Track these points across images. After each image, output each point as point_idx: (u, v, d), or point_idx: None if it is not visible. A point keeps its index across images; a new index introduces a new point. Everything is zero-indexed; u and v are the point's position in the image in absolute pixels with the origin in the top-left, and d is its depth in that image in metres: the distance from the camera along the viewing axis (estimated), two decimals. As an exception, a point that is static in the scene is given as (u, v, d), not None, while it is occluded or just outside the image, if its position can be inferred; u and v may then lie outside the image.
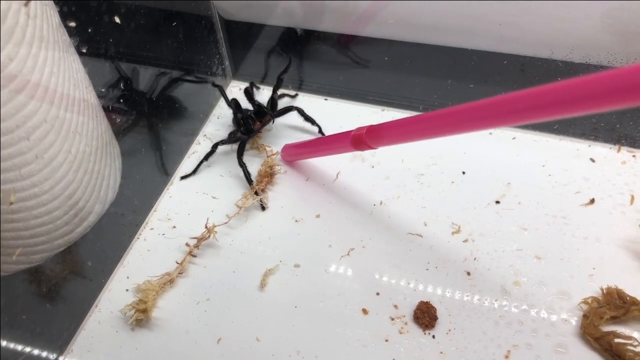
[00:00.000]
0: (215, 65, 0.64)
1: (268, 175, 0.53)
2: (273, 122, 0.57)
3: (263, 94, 0.65)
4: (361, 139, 0.43)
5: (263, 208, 0.52)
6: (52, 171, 0.39)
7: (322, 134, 0.58)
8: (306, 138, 0.58)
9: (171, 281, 0.46)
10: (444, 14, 0.56)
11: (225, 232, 0.50)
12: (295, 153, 0.55)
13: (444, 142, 0.57)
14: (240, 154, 0.54)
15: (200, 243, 0.48)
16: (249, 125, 0.56)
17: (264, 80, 0.67)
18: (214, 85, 0.62)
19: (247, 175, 0.53)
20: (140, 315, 0.43)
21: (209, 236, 0.48)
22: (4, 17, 0.32)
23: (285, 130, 0.60)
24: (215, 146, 0.55)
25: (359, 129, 0.43)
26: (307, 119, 0.57)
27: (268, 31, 0.67)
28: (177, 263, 0.47)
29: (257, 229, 0.50)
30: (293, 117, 0.58)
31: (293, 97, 0.64)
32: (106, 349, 0.43)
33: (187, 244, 0.48)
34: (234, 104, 0.59)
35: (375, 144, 0.42)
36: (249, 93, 0.60)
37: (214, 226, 0.48)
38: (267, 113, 0.56)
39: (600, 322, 0.41)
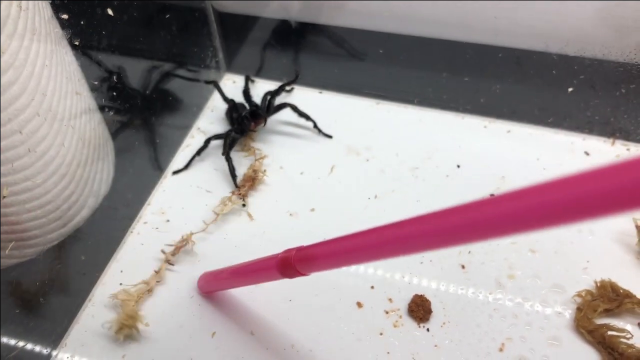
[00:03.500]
0: (209, 58, 0.64)
1: (251, 179, 0.53)
2: (265, 123, 0.57)
3: (258, 88, 0.64)
4: (289, 264, 0.33)
5: (244, 205, 0.52)
6: (44, 164, 0.39)
7: (318, 129, 0.58)
8: (300, 134, 0.58)
9: (149, 290, 0.45)
10: (440, 6, 0.56)
11: (219, 226, 0.50)
12: (213, 284, 0.45)
13: (438, 135, 0.57)
14: (229, 149, 0.54)
15: (178, 251, 0.48)
16: (244, 126, 0.56)
17: (258, 73, 0.66)
18: (208, 82, 0.62)
19: (232, 170, 0.53)
20: (129, 332, 0.42)
21: (186, 244, 0.48)
22: (-5, 9, 0.32)
23: (279, 127, 0.59)
24: (207, 141, 0.55)
25: (286, 251, 0.34)
26: (301, 114, 0.57)
27: (262, 23, 0.66)
28: (155, 272, 0.46)
29: (251, 223, 0.50)
30: (287, 113, 0.58)
31: (288, 91, 0.63)
32: (100, 343, 0.42)
33: (162, 251, 0.48)
34: (231, 104, 0.58)
35: (306, 269, 0.33)
36: (247, 93, 0.59)
37: (191, 234, 0.48)
38: (262, 116, 0.55)
39: (593, 315, 0.41)
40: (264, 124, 0.57)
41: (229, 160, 0.53)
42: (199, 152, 0.55)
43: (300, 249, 0.33)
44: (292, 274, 0.34)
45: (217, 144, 0.57)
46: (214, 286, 0.45)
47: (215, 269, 0.45)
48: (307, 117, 0.57)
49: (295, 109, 0.57)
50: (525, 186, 0.19)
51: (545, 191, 0.19)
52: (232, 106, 0.58)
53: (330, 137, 0.57)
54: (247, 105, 0.58)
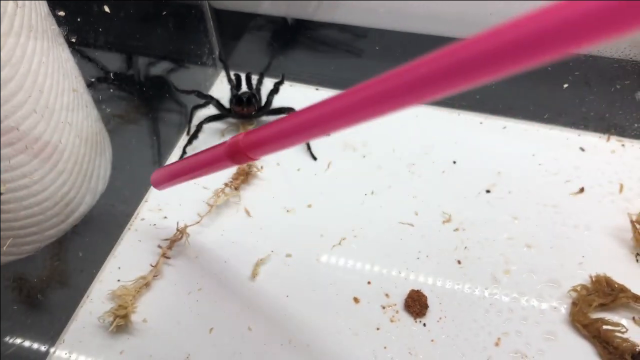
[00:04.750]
0: (206, 55, 0.64)
1: (245, 173, 0.53)
2: (253, 114, 0.57)
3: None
4: (238, 149, 0.33)
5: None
6: (42, 161, 0.39)
7: (307, 144, 0.57)
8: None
9: (147, 284, 0.45)
10: (436, 3, 0.56)
11: (215, 222, 0.50)
12: (166, 177, 0.44)
13: (434, 131, 0.57)
14: (207, 120, 0.56)
15: (173, 245, 0.48)
16: (232, 104, 0.56)
17: (255, 70, 0.66)
18: (220, 59, 0.64)
19: (191, 138, 0.56)
20: (120, 321, 0.42)
21: (182, 237, 0.48)
22: (-8, 6, 0.32)
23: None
24: (200, 125, 0.55)
25: (234, 137, 0.34)
26: None
27: (258, 20, 0.66)
28: (152, 266, 0.46)
29: (248, 219, 0.50)
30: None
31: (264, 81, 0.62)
32: (98, 339, 0.43)
33: (159, 246, 0.48)
34: (235, 78, 0.59)
35: (255, 153, 0.33)
36: (257, 86, 0.60)
37: (186, 227, 0.48)
38: (253, 105, 0.56)
39: (589, 309, 0.41)
40: (253, 114, 0.57)
41: (198, 128, 0.55)
42: (193, 137, 0.56)
43: (247, 133, 0.32)
44: (241, 159, 0.34)
45: (213, 140, 0.57)
46: (167, 179, 0.43)
47: (166, 165, 0.44)
48: None
49: None
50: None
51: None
52: (236, 84, 0.59)
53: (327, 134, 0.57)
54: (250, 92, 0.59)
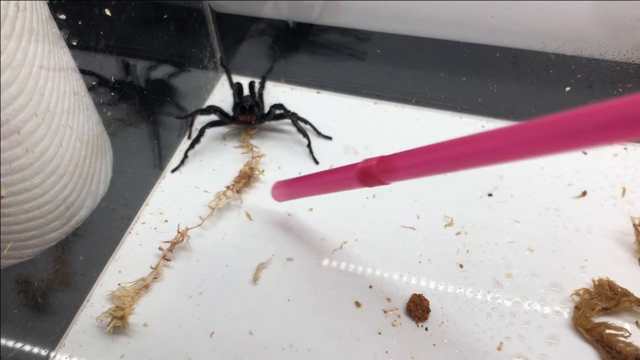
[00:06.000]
0: (207, 59, 0.64)
1: (247, 176, 0.53)
2: (256, 122, 0.57)
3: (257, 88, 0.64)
4: (371, 172, 0.34)
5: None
6: (42, 165, 0.39)
7: (317, 132, 0.58)
8: (299, 141, 0.58)
9: (146, 286, 0.45)
10: (437, 6, 0.56)
11: (217, 225, 0.50)
12: (287, 191, 0.47)
13: (436, 135, 0.56)
14: (210, 124, 0.56)
15: (174, 247, 0.48)
16: (235, 113, 0.56)
17: (256, 73, 0.66)
18: (222, 65, 0.64)
19: (194, 142, 0.56)
20: (117, 322, 0.42)
21: (183, 239, 0.48)
22: (-7, 9, 0.32)
23: (278, 127, 0.59)
24: (202, 130, 0.55)
25: (366, 160, 0.35)
26: (300, 130, 0.56)
27: (260, 24, 0.67)
28: (152, 268, 0.46)
29: (249, 223, 0.50)
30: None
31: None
32: (98, 343, 0.42)
33: (160, 248, 0.48)
34: (236, 87, 0.60)
35: (388, 179, 0.34)
36: (260, 93, 0.61)
37: (187, 229, 0.48)
38: (255, 115, 0.56)
39: (591, 313, 0.41)
40: (255, 122, 0.57)
41: (201, 131, 0.55)
42: (196, 141, 0.56)
43: (382, 160, 0.34)
44: (373, 183, 0.35)
45: (216, 144, 0.57)
46: (288, 194, 0.47)
47: (288, 178, 0.47)
48: (304, 134, 0.56)
49: (295, 123, 0.56)
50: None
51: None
52: (237, 90, 0.60)
53: (330, 138, 0.57)
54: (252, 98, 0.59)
